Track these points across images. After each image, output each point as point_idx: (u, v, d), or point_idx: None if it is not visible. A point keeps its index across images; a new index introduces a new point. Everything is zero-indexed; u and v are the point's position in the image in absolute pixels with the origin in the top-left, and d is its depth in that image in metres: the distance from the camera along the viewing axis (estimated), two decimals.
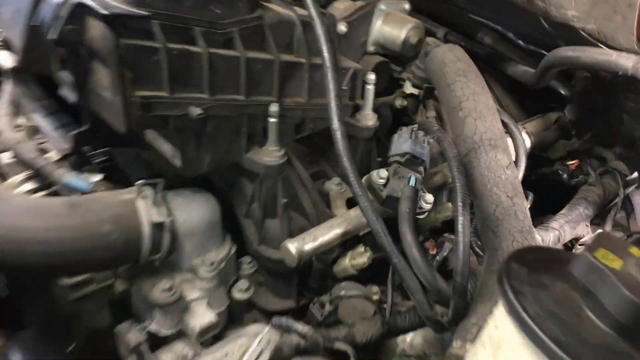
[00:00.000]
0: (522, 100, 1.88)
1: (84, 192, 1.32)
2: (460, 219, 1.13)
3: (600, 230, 0.88)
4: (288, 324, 1.11)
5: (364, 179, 1.33)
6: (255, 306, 1.43)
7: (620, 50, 1.29)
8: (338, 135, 1.18)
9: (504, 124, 1.47)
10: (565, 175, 1.60)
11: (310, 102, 1.35)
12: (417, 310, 1.18)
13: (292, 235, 1.36)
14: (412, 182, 1.27)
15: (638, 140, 1.83)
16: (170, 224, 1.24)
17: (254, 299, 1.42)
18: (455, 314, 1.14)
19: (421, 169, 1.33)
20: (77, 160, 1.47)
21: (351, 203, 1.44)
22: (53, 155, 1.43)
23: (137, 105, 1.07)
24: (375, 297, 1.37)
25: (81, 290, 1.39)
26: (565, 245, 1.43)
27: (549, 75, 1.42)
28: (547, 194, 1.81)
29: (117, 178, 1.53)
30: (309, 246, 1.25)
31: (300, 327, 1.11)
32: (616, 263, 0.72)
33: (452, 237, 1.49)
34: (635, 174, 1.62)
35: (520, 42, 1.81)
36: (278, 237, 1.35)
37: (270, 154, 1.28)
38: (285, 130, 1.36)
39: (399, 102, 1.59)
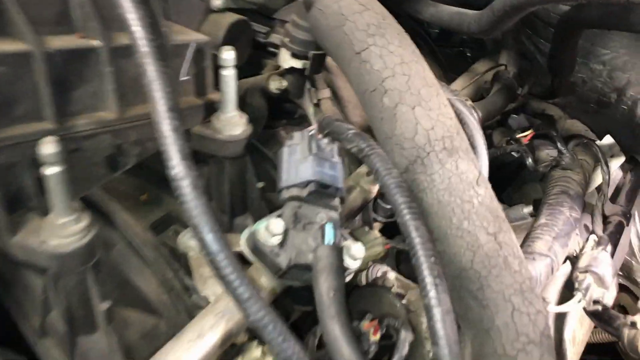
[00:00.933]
0: (434, 51, 1.38)
1: None
2: (437, 314, 0.62)
3: None
4: None
5: (244, 237, 0.77)
6: None
7: None
8: (185, 187, 0.60)
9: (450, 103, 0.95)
10: (529, 161, 1.14)
11: (127, 116, 0.75)
12: None
13: (130, 351, 0.78)
14: (330, 235, 0.73)
15: (580, 83, 1.43)
16: None
17: None
18: None
19: (336, 202, 0.79)
20: None
21: None
22: None
23: None
24: None
25: None
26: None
27: (509, 20, 0.91)
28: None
29: None
30: None
31: None
32: None
33: (390, 277, 0.99)
34: (608, 139, 1.19)
35: None
36: None
37: (60, 231, 0.67)
38: (88, 171, 0.76)
39: (276, 85, 1.02)
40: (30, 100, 0.65)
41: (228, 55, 0.82)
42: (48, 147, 0.62)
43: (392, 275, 0.96)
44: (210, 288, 0.85)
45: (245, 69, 1.17)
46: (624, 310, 1.56)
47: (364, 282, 1.04)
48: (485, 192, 0.78)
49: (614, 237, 1.15)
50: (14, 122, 0.64)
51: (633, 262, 1.57)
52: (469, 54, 1.56)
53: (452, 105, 0.97)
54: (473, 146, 0.94)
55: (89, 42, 0.69)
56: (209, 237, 0.61)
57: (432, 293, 0.63)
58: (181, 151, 0.61)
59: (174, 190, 0.61)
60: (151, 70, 0.63)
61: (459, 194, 0.76)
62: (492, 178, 1.29)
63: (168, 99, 0.62)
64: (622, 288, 1.67)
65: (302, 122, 1.12)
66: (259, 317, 0.61)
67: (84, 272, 0.70)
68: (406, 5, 1.22)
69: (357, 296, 0.97)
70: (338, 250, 0.73)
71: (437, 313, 0.62)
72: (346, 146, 0.79)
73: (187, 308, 0.85)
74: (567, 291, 1.11)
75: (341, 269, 0.72)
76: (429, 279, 0.64)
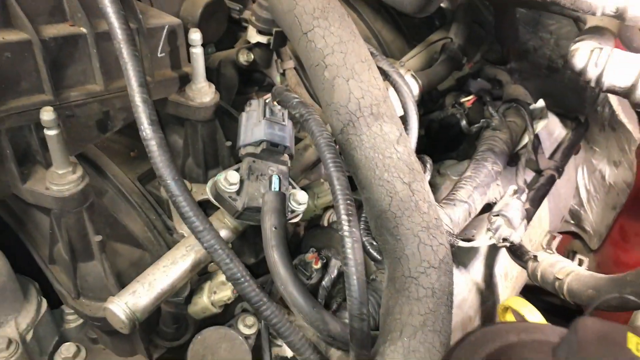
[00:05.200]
0: (396, 21, 1.53)
1: None
2: (348, 242, 0.80)
3: (578, 317, 0.59)
4: None
5: (208, 186, 0.96)
6: None
7: None
8: (152, 146, 0.79)
9: (384, 74, 1.12)
10: (463, 122, 1.30)
11: (112, 87, 0.92)
12: None
13: (121, 277, 0.98)
14: (276, 184, 0.92)
15: (531, 50, 1.57)
16: None
17: None
18: None
19: (285, 157, 0.97)
20: None
21: (201, 206, 1.06)
22: None
23: None
24: (251, 332, 1.04)
25: None
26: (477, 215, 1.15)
27: (436, 1, 1.07)
28: (439, 132, 1.52)
29: None
30: (143, 300, 0.88)
31: None
32: None
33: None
34: (541, 102, 1.35)
35: None
36: (101, 285, 0.96)
37: (60, 180, 0.86)
38: (81, 133, 0.94)
39: (244, 58, 1.18)
40: (32, 77, 0.83)
41: (195, 36, 0.98)
42: (48, 114, 0.80)
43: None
44: (186, 227, 1.04)
45: (223, 42, 1.33)
46: (575, 255, 1.71)
47: (325, 224, 1.23)
48: (404, 150, 0.95)
49: (544, 188, 1.31)
50: (20, 95, 0.82)
51: (582, 212, 1.74)
52: (437, 23, 1.70)
53: (389, 76, 1.14)
54: (405, 110, 1.11)
55: (77, 29, 0.86)
56: (171, 184, 0.79)
57: (345, 227, 0.81)
58: (149, 117, 0.79)
59: (145, 149, 0.80)
60: (125, 54, 0.80)
61: (382, 151, 0.93)
62: (440, 136, 1.46)
63: (139, 77, 0.80)
64: (574, 235, 1.85)
65: (270, 89, 1.29)
66: (210, 244, 0.80)
67: (81, 212, 0.89)
68: None
69: (313, 235, 1.16)
70: (282, 196, 0.91)
71: (348, 242, 0.80)
72: (291, 112, 0.97)
73: (167, 243, 1.05)
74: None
75: (283, 211, 0.90)
76: (344, 217, 0.82)
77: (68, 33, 0.85)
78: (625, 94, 0.88)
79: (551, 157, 1.42)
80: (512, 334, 0.54)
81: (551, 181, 1.33)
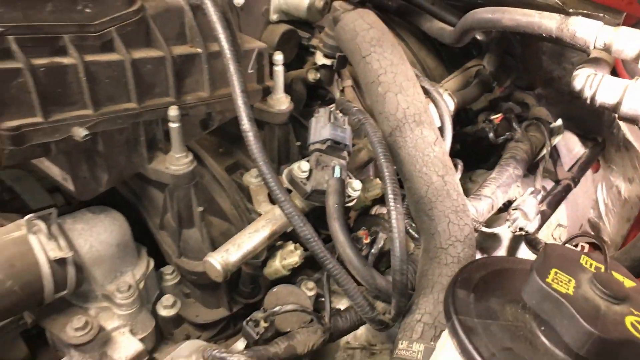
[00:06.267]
0: (437, 50, 1.79)
1: None
2: (393, 214, 1.05)
3: (546, 243, 0.80)
4: (222, 356, 1.01)
5: (284, 173, 1.22)
6: (186, 320, 1.32)
7: (539, 2, 1.21)
8: (250, 137, 1.06)
9: (426, 92, 1.38)
10: (491, 135, 1.54)
11: (215, 95, 1.20)
12: (358, 312, 1.10)
13: (213, 242, 1.25)
14: (337, 172, 1.17)
15: (556, 79, 1.80)
16: (72, 257, 1.09)
17: (182, 313, 1.30)
18: (398, 311, 1.08)
19: (345, 154, 1.23)
20: None
21: None
22: None
23: (6, 139, 0.90)
24: (311, 293, 1.29)
25: None
26: (499, 209, 1.39)
27: (468, 36, 1.33)
28: (473, 147, 1.76)
29: (7, 199, 1.36)
30: (234, 257, 1.14)
31: (236, 356, 1.01)
32: (569, 285, 0.65)
33: (385, 213, 1.43)
34: (559, 121, 1.58)
35: None
36: (199, 247, 1.23)
37: (176, 162, 1.14)
38: (190, 129, 1.22)
39: (312, 76, 1.46)
40: (163, 84, 1.11)
41: (279, 57, 1.27)
42: (174, 111, 1.08)
43: (384, 209, 1.40)
44: (262, 208, 1.30)
45: (293, 64, 1.61)
46: None
47: (373, 212, 1.48)
48: (439, 150, 1.20)
49: (560, 194, 1.54)
50: (154, 97, 1.10)
51: (600, 224, 1.95)
52: (474, 52, 1.95)
53: (430, 94, 1.40)
54: (442, 122, 1.36)
55: (195, 49, 1.15)
56: (263, 165, 1.06)
57: (392, 202, 1.06)
58: (248, 115, 1.06)
59: (244, 139, 1.07)
60: (232, 69, 1.08)
61: (421, 150, 1.19)
62: (473, 148, 1.70)
63: (241, 85, 1.07)
64: (593, 246, 2.04)
65: (330, 103, 1.56)
66: (290, 211, 1.06)
67: (189, 188, 1.17)
68: (414, 19, 1.64)
69: (363, 220, 1.41)
70: (342, 182, 1.16)
71: (393, 214, 1.05)
72: (350, 118, 1.23)
73: (248, 220, 1.32)
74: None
75: (343, 193, 1.16)
76: (391, 195, 1.07)
77: (189, 52, 1.14)
78: (613, 109, 1.12)
79: (569, 170, 1.64)
80: (502, 263, 0.78)
81: (567, 189, 1.56)
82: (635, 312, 0.65)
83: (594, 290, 0.66)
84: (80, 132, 0.97)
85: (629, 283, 0.69)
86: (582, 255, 0.71)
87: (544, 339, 0.67)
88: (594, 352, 0.62)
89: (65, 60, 0.94)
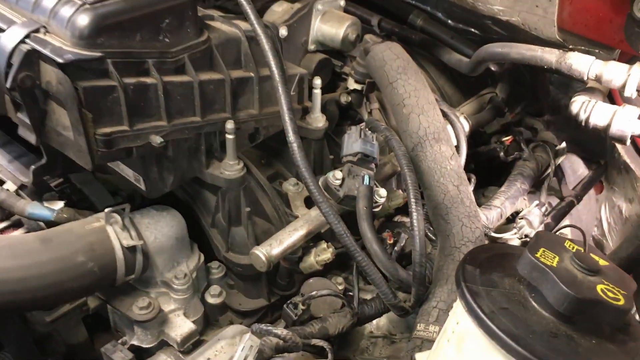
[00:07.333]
0: (455, 79, 1.99)
1: (47, 221, 1.34)
2: (415, 215, 1.23)
3: (539, 231, 0.98)
4: (267, 329, 1.19)
5: (320, 181, 1.41)
6: (229, 308, 1.51)
7: (544, 39, 1.40)
8: (295, 148, 1.25)
9: (444, 114, 1.57)
10: (502, 154, 1.73)
11: (262, 112, 1.41)
12: (382, 299, 1.28)
13: (257, 240, 1.44)
14: (367, 181, 1.36)
15: (563, 107, 1.99)
16: (141, 245, 1.29)
17: (227, 302, 1.49)
18: (417, 299, 1.25)
19: (373, 165, 1.42)
20: (33, 188, 1.48)
21: (309, 201, 1.52)
22: (10, 186, 1.44)
23: (100, 143, 1.11)
24: (341, 287, 1.48)
25: (55, 312, 1.44)
26: (507, 219, 1.57)
27: (482, 67, 1.53)
28: (486, 166, 1.95)
29: (76, 199, 1.56)
30: (276, 251, 1.33)
31: (279, 330, 1.19)
32: (554, 260, 0.84)
33: (406, 220, 1.61)
34: (563, 144, 1.76)
35: (450, 21, 1.91)
36: (244, 243, 1.43)
37: (230, 168, 1.34)
38: (241, 141, 1.42)
39: (344, 99, 1.67)
40: (221, 102, 1.32)
41: (318, 81, 1.47)
42: (230, 124, 1.29)
43: (405, 218, 1.58)
44: (299, 211, 1.49)
45: (327, 88, 1.82)
46: None
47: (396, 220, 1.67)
48: (455, 164, 1.39)
49: (564, 209, 1.71)
50: (214, 112, 1.31)
51: (604, 241, 2.11)
52: (489, 81, 2.14)
53: (448, 116, 1.60)
54: (457, 140, 1.55)
55: (248, 73, 1.36)
56: (305, 172, 1.25)
57: (413, 205, 1.25)
58: (293, 129, 1.26)
59: (289, 149, 1.26)
60: (281, 90, 1.28)
61: (440, 163, 1.38)
62: (486, 167, 1.88)
63: (288, 104, 1.28)
64: None
65: (358, 123, 1.75)
66: (327, 211, 1.25)
67: (239, 191, 1.37)
68: (435, 51, 1.85)
69: (387, 225, 1.60)
70: (370, 189, 1.35)
71: (414, 215, 1.24)
72: (378, 135, 1.43)
73: (286, 221, 1.51)
74: None
75: (371, 198, 1.34)
76: (412, 199, 1.26)
77: (243, 76, 1.35)
78: (604, 130, 1.30)
79: (573, 188, 1.82)
80: (504, 249, 0.96)
81: (570, 205, 1.73)
82: (605, 282, 0.82)
83: (573, 265, 0.84)
84: (156, 140, 1.18)
85: (603, 262, 0.87)
86: (567, 241, 0.89)
87: (533, 303, 0.85)
88: (570, 309, 0.80)
89: (149, 80, 1.15)
